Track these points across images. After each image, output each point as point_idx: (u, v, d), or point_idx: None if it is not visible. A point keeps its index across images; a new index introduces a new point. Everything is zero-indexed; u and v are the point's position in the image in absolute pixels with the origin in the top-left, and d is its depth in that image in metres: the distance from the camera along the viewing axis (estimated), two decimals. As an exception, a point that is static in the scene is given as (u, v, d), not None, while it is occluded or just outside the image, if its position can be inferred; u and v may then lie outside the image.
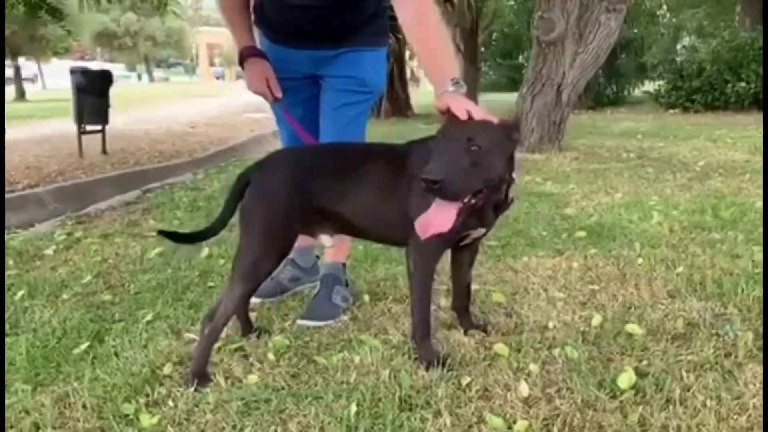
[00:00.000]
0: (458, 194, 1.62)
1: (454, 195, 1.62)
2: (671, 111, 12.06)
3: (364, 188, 1.89)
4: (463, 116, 1.71)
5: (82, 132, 6.79)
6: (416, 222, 1.67)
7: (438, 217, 1.63)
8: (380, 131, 8.65)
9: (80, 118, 6.74)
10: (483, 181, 1.66)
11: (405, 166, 1.86)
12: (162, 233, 2.06)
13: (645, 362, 1.85)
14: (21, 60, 24.51)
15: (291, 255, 2.58)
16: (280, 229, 1.87)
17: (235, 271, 1.89)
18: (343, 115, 2.24)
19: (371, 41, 2.24)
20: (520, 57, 22.33)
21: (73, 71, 6.82)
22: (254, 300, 2.41)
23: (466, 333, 2.09)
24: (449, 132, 1.68)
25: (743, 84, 11.02)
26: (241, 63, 2.25)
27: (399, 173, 1.86)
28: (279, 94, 2.24)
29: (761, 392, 1.65)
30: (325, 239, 2.01)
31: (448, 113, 1.76)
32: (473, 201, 1.67)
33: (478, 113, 1.73)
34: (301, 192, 1.87)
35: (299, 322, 2.24)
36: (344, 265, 2.48)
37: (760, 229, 3.18)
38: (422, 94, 15.69)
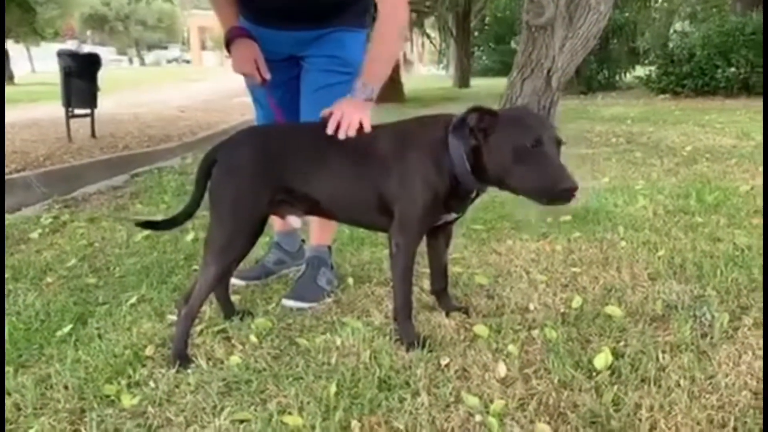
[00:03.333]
0: None
1: None
2: (662, 96, 12.06)
3: (333, 170, 1.88)
4: (331, 127, 1.87)
5: (70, 116, 6.75)
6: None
7: None
8: (372, 116, 8.62)
9: (68, 102, 6.69)
10: None
11: (381, 147, 1.86)
12: (140, 224, 2.06)
13: (622, 343, 1.87)
14: (9, 42, 24.22)
15: (276, 238, 2.59)
16: (247, 207, 1.86)
17: (207, 251, 1.89)
18: (325, 96, 2.22)
19: (353, 22, 2.24)
20: (512, 42, 22.26)
21: (60, 54, 6.76)
22: (239, 282, 2.42)
23: (447, 315, 2.11)
24: (541, 133, 1.67)
25: (733, 69, 11.02)
26: (228, 45, 2.22)
27: (373, 154, 1.86)
28: (268, 76, 2.22)
29: (734, 372, 1.69)
30: (294, 220, 2.01)
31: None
32: None
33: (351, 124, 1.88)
34: (268, 171, 1.86)
35: (284, 302, 2.25)
36: (330, 248, 2.49)
37: (742, 213, 3.21)
38: (415, 79, 15.70)
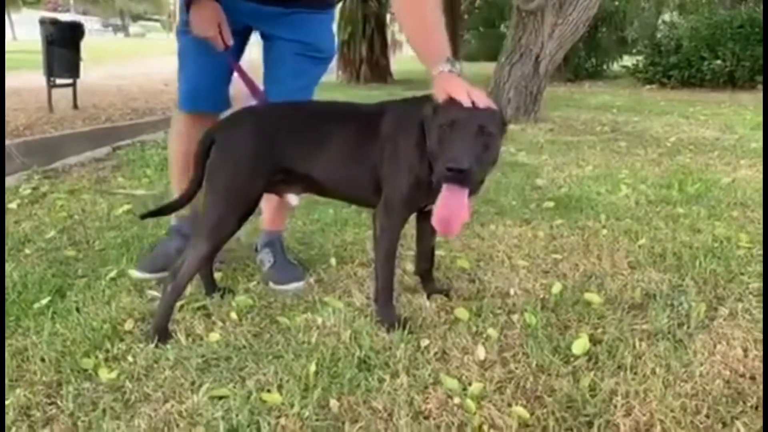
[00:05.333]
0: (476, 182, 1.65)
1: (474, 183, 1.64)
2: (648, 86, 12.10)
3: (334, 149, 1.87)
4: (466, 102, 1.64)
5: (52, 85, 6.62)
6: (435, 219, 1.66)
7: (456, 211, 1.63)
8: (360, 96, 8.57)
9: (50, 71, 6.56)
10: (491, 165, 1.70)
11: (377, 126, 1.85)
12: (143, 216, 2.02)
13: (600, 330, 1.89)
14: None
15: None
16: (244, 188, 1.85)
17: (199, 229, 1.88)
18: (300, 81, 2.17)
19: (321, 3, 2.17)
20: (502, 26, 22.16)
21: (42, 22, 6.62)
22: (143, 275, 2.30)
23: (428, 297, 2.12)
24: (458, 116, 1.62)
25: (719, 62, 11.07)
26: (188, 5, 2.01)
27: (370, 134, 1.85)
28: (231, 42, 2.07)
29: (708, 361, 1.71)
30: (292, 198, 2.00)
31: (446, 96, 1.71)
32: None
33: (480, 97, 1.67)
34: (268, 152, 1.85)
35: (280, 288, 2.21)
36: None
37: (723, 205, 3.25)
38: (403, 60, 15.57)
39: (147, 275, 2.26)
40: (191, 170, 1.95)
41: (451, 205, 1.63)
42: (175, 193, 2.24)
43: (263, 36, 2.23)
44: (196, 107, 2.23)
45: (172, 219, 2.40)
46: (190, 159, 2.04)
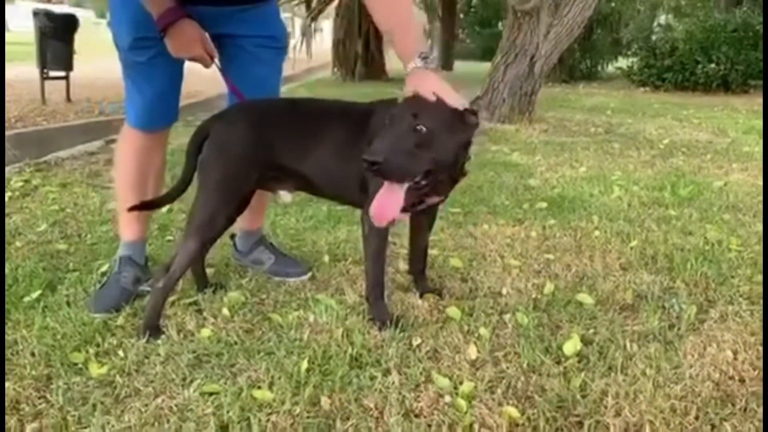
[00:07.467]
0: (402, 176, 1.60)
1: (398, 177, 1.60)
2: (642, 89, 12.15)
3: (325, 147, 1.87)
4: (430, 98, 1.65)
5: (45, 78, 6.58)
6: (370, 208, 1.65)
7: (388, 202, 1.62)
8: (354, 94, 8.58)
9: (43, 63, 6.52)
10: (431, 163, 1.62)
11: (367, 125, 1.85)
12: (132, 209, 1.96)
13: (591, 331, 1.90)
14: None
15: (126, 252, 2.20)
16: (237, 183, 1.85)
17: (190, 224, 1.88)
18: (264, 70, 2.13)
19: None
20: (499, 25, 22.17)
21: (36, 13, 6.57)
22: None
23: (421, 296, 2.12)
24: (395, 111, 1.63)
25: (713, 65, 11.12)
26: (166, 29, 1.85)
27: (360, 133, 1.84)
28: (216, 55, 2.00)
29: (698, 363, 1.72)
30: (284, 195, 2.00)
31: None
32: (423, 182, 1.65)
33: (448, 95, 1.65)
34: (261, 147, 1.85)
35: (292, 280, 2.25)
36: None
37: (714, 208, 3.27)
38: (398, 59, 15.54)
39: (107, 315, 1.96)
40: (152, 180, 2.05)
41: (383, 197, 1.63)
42: (123, 213, 2.13)
43: (218, 38, 2.08)
44: (155, 124, 2.13)
45: (120, 249, 2.18)
46: (146, 174, 2.09)
